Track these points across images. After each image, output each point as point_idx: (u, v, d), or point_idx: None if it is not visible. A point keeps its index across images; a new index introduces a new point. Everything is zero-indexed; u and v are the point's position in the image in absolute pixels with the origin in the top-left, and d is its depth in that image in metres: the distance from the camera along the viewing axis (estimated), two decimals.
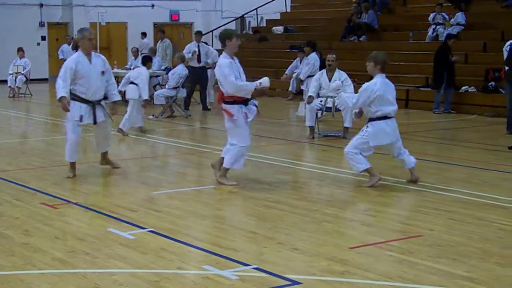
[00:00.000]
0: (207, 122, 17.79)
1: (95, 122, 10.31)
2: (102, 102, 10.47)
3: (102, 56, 10.61)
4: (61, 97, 9.89)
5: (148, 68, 16.33)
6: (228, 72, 9.50)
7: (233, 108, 9.58)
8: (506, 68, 15.10)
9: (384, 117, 9.52)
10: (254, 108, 9.73)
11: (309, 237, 7.26)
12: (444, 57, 18.78)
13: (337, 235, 7.45)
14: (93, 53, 10.26)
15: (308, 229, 7.63)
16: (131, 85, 15.51)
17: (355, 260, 6.49)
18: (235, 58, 9.83)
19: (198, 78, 19.55)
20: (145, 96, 15.31)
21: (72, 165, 10.33)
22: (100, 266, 6.33)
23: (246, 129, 9.71)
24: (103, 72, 10.29)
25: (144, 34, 28.96)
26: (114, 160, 11.17)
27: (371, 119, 9.56)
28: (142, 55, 23.48)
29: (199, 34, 20.70)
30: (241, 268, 6.22)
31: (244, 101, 9.64)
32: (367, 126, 9.58)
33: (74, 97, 10.11)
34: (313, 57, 17.49)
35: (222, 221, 7.98)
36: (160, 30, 25.78)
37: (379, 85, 9.45)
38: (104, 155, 10.97)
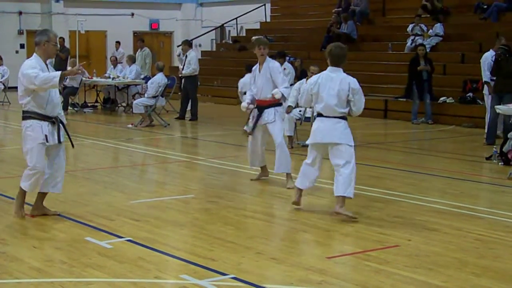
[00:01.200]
0: (186, 131, 17.78)
1: (59, 141, 8.31)
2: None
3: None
4: (60, 74, 8.01)
5: None
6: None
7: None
8: (487, 77, 15.20)
9: (319, 115, 8.63)
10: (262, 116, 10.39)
11: (287, 246, 7.28)
12: (412, 66, 18.90)
13: (315, 245, 7.47)
14: (48, 61, 8.47)
15: (286, 238, 7.64)
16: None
17: (333, 269, 6.51)
18: (269, 62, 10.50)
19: (184, 87, 19.54)
20: None
21: (24, 198, 8.48)
22: (77, 275, 6.30)
23: (255, 133, 10.56)
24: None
25: (118, 43, 28.87)
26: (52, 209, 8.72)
27: None
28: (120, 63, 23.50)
29: (185, 43, 20.50)
30: (219, 278, 6.22)
31: (258, 107, 10.47)
32: None
33: (31, 115, 8.20)
34: (289, 67, 17.54)
35: (200, 230, 7.98)
36: (139, 39, 25.70)
37: (316, 79, 8.65)
38: (43, 195, 8.58)
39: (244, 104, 10.59)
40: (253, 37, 10.98)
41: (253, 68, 10.67)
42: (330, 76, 8.56)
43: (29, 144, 8.18)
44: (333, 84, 8.48)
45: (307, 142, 8.97)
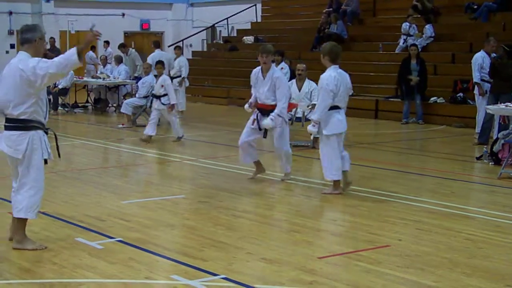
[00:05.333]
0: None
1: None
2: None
3: None
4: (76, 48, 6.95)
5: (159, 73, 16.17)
6: None
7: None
8: (477, 77, 15.27)
9: (337, 107, 9.82)
10: (268, 121, 10.31)
11: (278, 247, 7.27)
12: (403, 66, 18.94)
13: (305, 245, 7.46)
14: None
15: (277, 238, 7.64)
16: None
17: (324, 270, 6.50)
18: (274, 73, 10.36)
19: None
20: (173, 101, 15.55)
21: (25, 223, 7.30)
22: (68, 276, 6.29)
23: (245, 130, 10.65)
24: None
25: (107, 43, 28.75)
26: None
27: None
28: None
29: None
30: (209, 278, 6.22)
31: (258, 109, 10.53)
32: None
33: (33, 124, 7.04)
34: (286, 66, 17.49)
35: (191, 231, 7.97)
36: (120, 44, 25.03)
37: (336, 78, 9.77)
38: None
39: (245, 106, 10.93)
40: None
41: (255, 71, 10.56)
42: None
43: (34, 162, 7.10)
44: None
45: (333, 132, 9.66)
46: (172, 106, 15.38)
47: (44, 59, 6.99)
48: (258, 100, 10.51)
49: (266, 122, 10.27)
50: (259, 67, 10.49)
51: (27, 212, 7.12)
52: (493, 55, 15.44)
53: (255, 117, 10.53)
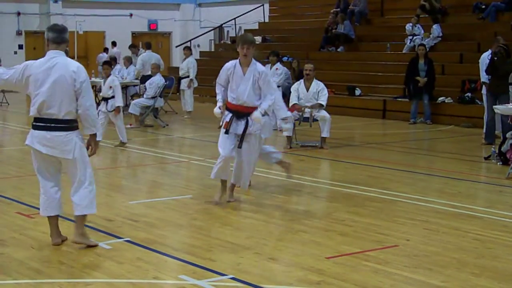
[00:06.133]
0: (184, 131, 17.76)
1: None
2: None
3: None
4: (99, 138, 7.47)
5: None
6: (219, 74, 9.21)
7: (224, 114, 9.18)
8: (485, 77, 15.23)
9: None
10: (258, 113, 8.89)
11: (286, 247, 7.27)
12: (411, 66, 18.95)
13: (313, 245, 7.46)
14: None
15: (285, 239, 7.64)
16: None
17: (332, 270, 6.50)
18: (256, 66, 8.97)
19: None
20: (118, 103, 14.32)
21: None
22: (76, 276, 6.30)
23: (223, 138, 9.15)
24: None
25: (114, 44, 28.75)
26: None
27: None
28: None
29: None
30: (218, 278, 6.22)
31: (233, 111, 9.07)
32: None
33: (76, 124, 7.14)
34: (281, 67, 17.61)
35: (198, 231, 7.97)
36: (131, 45, 25.21)
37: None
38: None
39: (217, 110, 9.14)
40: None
41: (229, 66, 9.08)
42: None
43: (87, 159, 7.20)
44: None
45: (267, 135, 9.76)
46: (117, 109, 14.15)
47: (89, 82, 7.07)
48: (234, 101, 9.03)
49: (256, 114, 8.85)
50: (233, 62, 9.07)
51: (91, 208, 7.29)
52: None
53: (228, 120, 9.06)
